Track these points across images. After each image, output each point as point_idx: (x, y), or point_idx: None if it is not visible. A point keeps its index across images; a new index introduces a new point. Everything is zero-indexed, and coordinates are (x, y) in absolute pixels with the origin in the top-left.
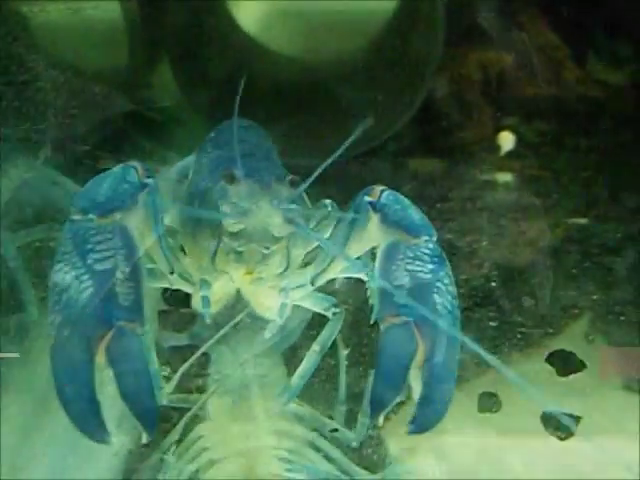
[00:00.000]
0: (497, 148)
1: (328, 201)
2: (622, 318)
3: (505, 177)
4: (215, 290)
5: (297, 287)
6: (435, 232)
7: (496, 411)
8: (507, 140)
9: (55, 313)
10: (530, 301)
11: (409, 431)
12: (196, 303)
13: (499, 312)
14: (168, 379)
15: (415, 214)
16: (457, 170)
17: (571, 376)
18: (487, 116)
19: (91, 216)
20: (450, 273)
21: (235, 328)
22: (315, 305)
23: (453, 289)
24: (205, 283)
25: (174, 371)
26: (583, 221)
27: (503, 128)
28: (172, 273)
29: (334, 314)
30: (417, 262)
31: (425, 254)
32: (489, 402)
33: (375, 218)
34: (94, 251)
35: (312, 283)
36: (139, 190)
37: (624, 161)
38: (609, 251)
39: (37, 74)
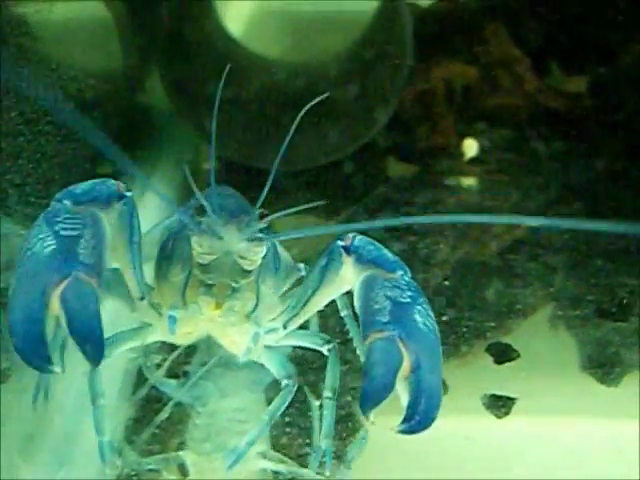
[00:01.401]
0: (461, 154)
1: (302, 265)
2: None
3: (468, 181)
4: (184, 322)
5: (269, 330)
6: (408, 270)
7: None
8: (471, 147)
9: (18, 267)
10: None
11: (398, 430)
12: (159, 334)
13: (465, 306)
14: (159, 366)
15: (388, 253)
16: (425, 175)
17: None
18: (451, 125)
19: (65, 202)
20: (427, 301)
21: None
22: (306, 342)
23: (432, 316)
24: (172, 319)
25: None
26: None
27: (467, 136)
28: (142, 299)
29: (329, 350)
30: (396, 290)
31: (403, 285)
32: None
33: (349, 260)
34: (62, 223)
35: (284, 327)
36: (115, 196)
37: (578, 165)
38: (561, 247)
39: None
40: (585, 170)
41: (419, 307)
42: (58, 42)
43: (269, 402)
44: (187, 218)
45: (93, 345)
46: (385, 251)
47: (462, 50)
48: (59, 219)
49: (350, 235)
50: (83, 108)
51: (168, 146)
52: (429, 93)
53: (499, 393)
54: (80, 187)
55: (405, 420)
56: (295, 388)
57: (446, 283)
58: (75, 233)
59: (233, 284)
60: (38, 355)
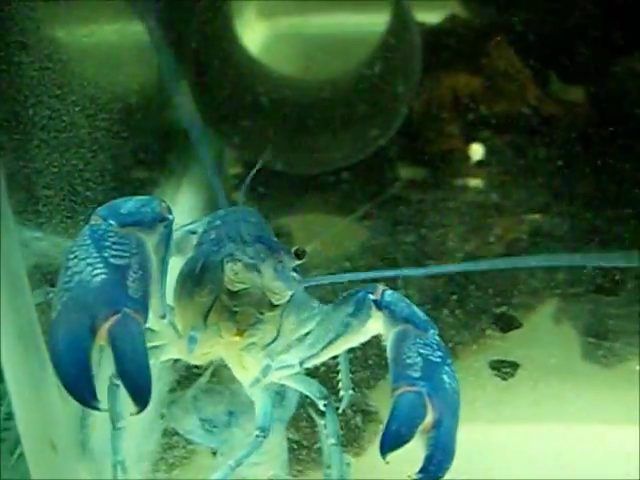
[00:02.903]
0: (468, 158)
1: (315, 303)
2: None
3: (475, 182)
4: (202, 343)
5: (285, 366)
6: (437, 329)
7: None
8: (476, 151)
9: (63, 291)
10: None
11: (415, 478)
12: (177, 353)
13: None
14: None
15: (419, 311)
16: (434, 176)
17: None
18: (458, 130)
19: (111, 222)
20: (454, 366)
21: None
22: (303, 388)
23: (456, 378)
24: (193, 339)
25: None
26: (539, 217)
27: (472, 141)
28: (164, 317)
29: (325, 406)
30: (428, 347)
31: (434, 344)
32: None
33: (379, 315)
34: (111, 248)
35: (300, 364)
36: (159, 219)
37: (576, 168)
38: (559, 241)
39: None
40: (583, 172)
41: (447, 368)
42: (100, 64)
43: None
44: (228, 245)
45: (141, 388)
46: (416, 309)
47: (467, 62)
48: (107, 243)
49: (380, 288)
50: (121, 120)
51: (196, 155)
52: (437, 101)
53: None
54: (126, 207)
55: (421, 470)
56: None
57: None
58: (124, 262)
59: (258, 315)
60: (84, 390)
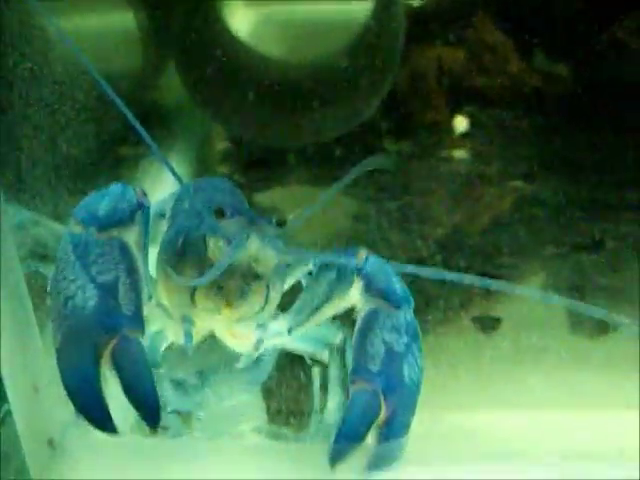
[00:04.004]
0: (452, 130)
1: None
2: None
3: (459, 153)
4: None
5: (274, 334)
6: (413, 302)
7: None
8: (461, 123)
9: (60, 319)
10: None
11: (365, 469)
12: (173, 336)
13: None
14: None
15: (397, 284)
16: (420, 148)
17: None
18: (442, 103)
19: (91, 229)
20: (421, 345)
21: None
22: (305, 346)
23: (421, 361)
24: (188, 319)
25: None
26: (520, 184)
27: (457, 113)
28: (150, 298)
29: (330, 352)
30: (394, 333)
31: (402, 325)
32: None
33: (359, 283)
34: (96, 263)
35: (289, 332)
36: (137, 209)
37: (558, 139)
38: (542, 206)
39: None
40: (566, 142)
41: (410, 357)
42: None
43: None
44: (207, 219)
45: (149, 407)
46: (394, 281)
47: (452, 35)
48: (92, 257)
49: (364, 254)
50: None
51: (182, 132)
52: (421, 74)
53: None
54: (103, 207)
55: (369, 465)
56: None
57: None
58: (112, 277)
59: (245, 286)
60: (100, 418)
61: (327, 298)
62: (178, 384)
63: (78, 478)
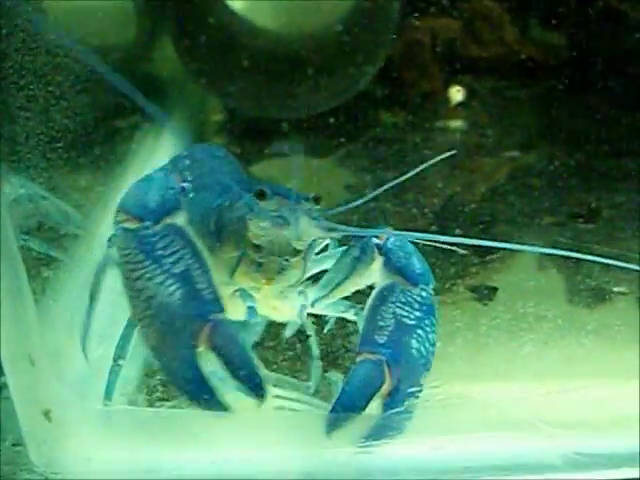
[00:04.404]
0: (448, 100)
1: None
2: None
3: (455, 123)
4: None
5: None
6: (433, 280)
7: None
8: (457, 93)
9: (149, 319)
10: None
11: (363, 437)
12: (233, 313)
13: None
14: None
15: (417, 263)
16: (415, 118)
17: None
18: (437, 73)
19: (148, 223)
20: (435, 322)
21: None
22: (334, 312)
23: (433, 337)
24: (246, 294)
25: None
26: (517, 154)
27: (452, 83)
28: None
29: (355, 314)
30: (406, 307)
31: (416, 301)
32: None
33: (379, 260)
34: (165, 256)
35: (312, 304)
36: (180, 194)
37: (555, 108)
38: (538, 175)
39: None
40: (561, 112)
41: (421, 331)
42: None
43: None
44: (244, 199)
45: (255, 381)
46: (414, 260)
47: (447, 6)
48: (159, 252)
49: (387, 232)
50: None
51: (180, 103)
52: (416, 44)
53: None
54: (151, 199)
55: (369, 434)
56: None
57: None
58: (184, 265)
59: (283, 262)
60: (211, 403)
61: (349, 274)
62: None
63: (75, 450)
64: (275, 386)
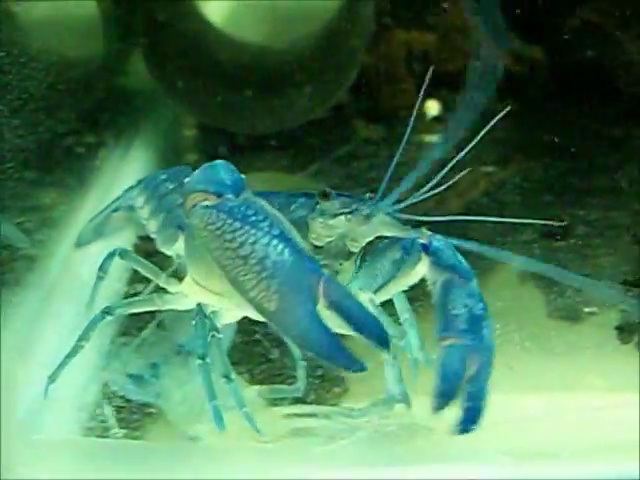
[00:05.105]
0: (423, 114)
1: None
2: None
3: (431, 138)
4: None
5: None
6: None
7: None
8: (432, 107)
9: (265, 281)
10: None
11: (456, 431)
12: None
13: None
14: None
15: (462, 260)
16: (390, 133)
17: None
18: (412, 87)
19: (229, 196)
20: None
21: None
22: None
23: (494, 331)
24: None
25: None
26: (492, 169)
27: (428, 97)
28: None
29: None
30: (472, 299)
31: (477, 294)
32: None
33: (427, 259)
34: (260, 220)
35: None
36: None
37: (532, 122)
38: (513, 191)
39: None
40: (539, 126)
41: (487, 321)
42: (45, 35)
43: None
44: (313, 204)
45: (380, 331)
46: (460, 257)
47: (422, 19)
48: (253, 218)
49: (427, 233)
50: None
51: (150, 117)
52: (390, 57)
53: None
54: (226, 177)
55: (461, 422)
56: None
57: None
58: (281, 226)
59: (338, 266)
60: (346, 358)
61: (393, 276)
62: (135, 377)
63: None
64: (264, 397)
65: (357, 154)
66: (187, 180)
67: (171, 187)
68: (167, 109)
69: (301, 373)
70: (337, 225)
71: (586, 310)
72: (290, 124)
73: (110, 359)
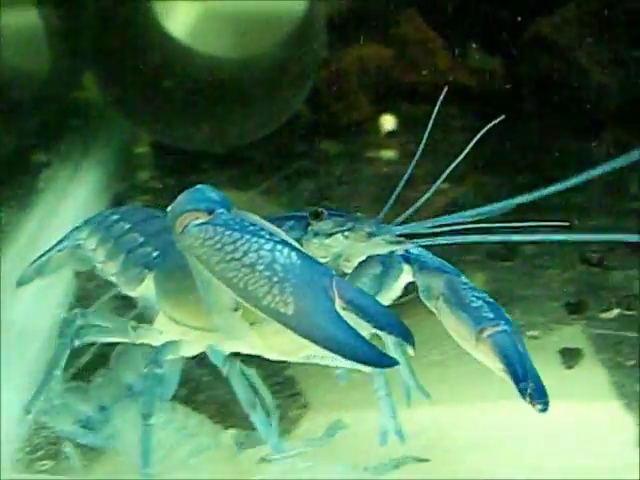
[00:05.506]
0: (379, 129)
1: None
2: None
3: (387, 153)
4: None
5: None
6: None
7: None
8: (388, 122)
9: (278, 285)
10: None
11: (540, 410)
12: (192, 349)
13: None
14: None
15: (442, 260)
16: (345, 149)
17: None
18: (366, 102)
19: (222, 210)
20: None
21: None
22: None
23: None
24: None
25: None
26: (446, 185)
27: (383, 112)
28: (236, 310)
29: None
30: (476, 290)
31: (474, 285)
32: None
33: (410, 269)
34: (259, 229)
35: None
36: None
37: (491, 136)
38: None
39: None
40: (497, 141)
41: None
42: None
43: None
44: (305, 225)
45: (402, 327)
46: (439, 259)
47: (378, 33)
48: (249, 225)
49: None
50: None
51: (102, 134)
52: (342, 73)
53: None
54: (213, 196)
55: (537, 401)
56: None
57: None
58: (279, 234)
59: None
60: (377, 355)
61: (377, 292)
62: (83, 421)
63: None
64: (239, 442)
65: (309, 171)
66: (171, 207)
67: (127, 227)
68: (119, 126)
69: (271, 409)
70: (334, 244)
71: (528, 334)
72: (242, 140)
73: (57, 405)
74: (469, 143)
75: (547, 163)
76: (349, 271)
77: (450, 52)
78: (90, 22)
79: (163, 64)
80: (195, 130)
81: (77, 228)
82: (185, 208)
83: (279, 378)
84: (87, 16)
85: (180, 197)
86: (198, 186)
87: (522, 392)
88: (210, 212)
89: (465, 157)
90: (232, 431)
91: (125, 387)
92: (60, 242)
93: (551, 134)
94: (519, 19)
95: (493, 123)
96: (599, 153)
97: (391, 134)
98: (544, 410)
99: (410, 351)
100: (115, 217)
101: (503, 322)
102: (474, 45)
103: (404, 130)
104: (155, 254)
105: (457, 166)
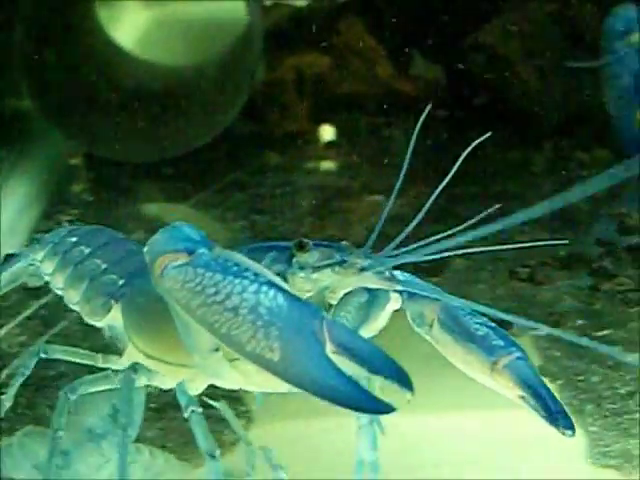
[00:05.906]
0: (317, 140)
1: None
2: None
3: (326, 164)
4: None
5: None
6: None
7: None
8: (327, 132)
9: (263, 329)
10: None
11: (569, 435)
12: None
13: None
14: None
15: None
16: (283, 160)
17: None
18: (303, 112)
19: (203, 250)
20: None
21: None
22: None
23: None
24: None
25: None
26: (380, 198)
27: (322, 122)
28: (217, 350)
29: None
30: (475, 316)
31: (469, 311)
32: None
33: (398, 296)
34: (243, 270)
35: None
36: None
37: (432, 145)
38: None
39: None
40: (438, 150)
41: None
42: None
43: None
44: (288, 257)
45: (400, 370)
46: (425, 283)
47: (317, 42)
48: (232, 266)
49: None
50: None
51: (33, 145)
52: (278, 82)
53: None
54: (192, 235)
55: (564, 427)
56: None
57: None
58: (264, 274)
59: None
60: (372, 401)
61: (364, 321)
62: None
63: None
64: None
65: (244, 182)
66: (148, 246)
67: (87, 251)
68: (51, 136)
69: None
70: (322, 279)
71: None
72: (177, 152)
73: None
74: (407, 153)
75: (488, 173)
76: (334, 302)
77: (391, 61)
78: (25, 29)
79: (100, 72)
80: (129, 141)
81: (30, 248)
82: (164, 249)
83: None
84: (22, 22)
85: (157, 236)
86: (176, 223)
87: (554, 422)
88: (190, 253)
89: (406, 168)
90: (200, 470)
91: (87, 431)
92: (9, 261)
93: (492, 144)
94: (461, 28)
95: (481, 139)
96: (540, 163)
97: (330, 144)
98: (573, 435)
99: (408, 396)
100: (73, 239)
101: (515, 349)
102: (416, 54)
103: (343, 140)
104: (120, 282)
105: (395, 178)
